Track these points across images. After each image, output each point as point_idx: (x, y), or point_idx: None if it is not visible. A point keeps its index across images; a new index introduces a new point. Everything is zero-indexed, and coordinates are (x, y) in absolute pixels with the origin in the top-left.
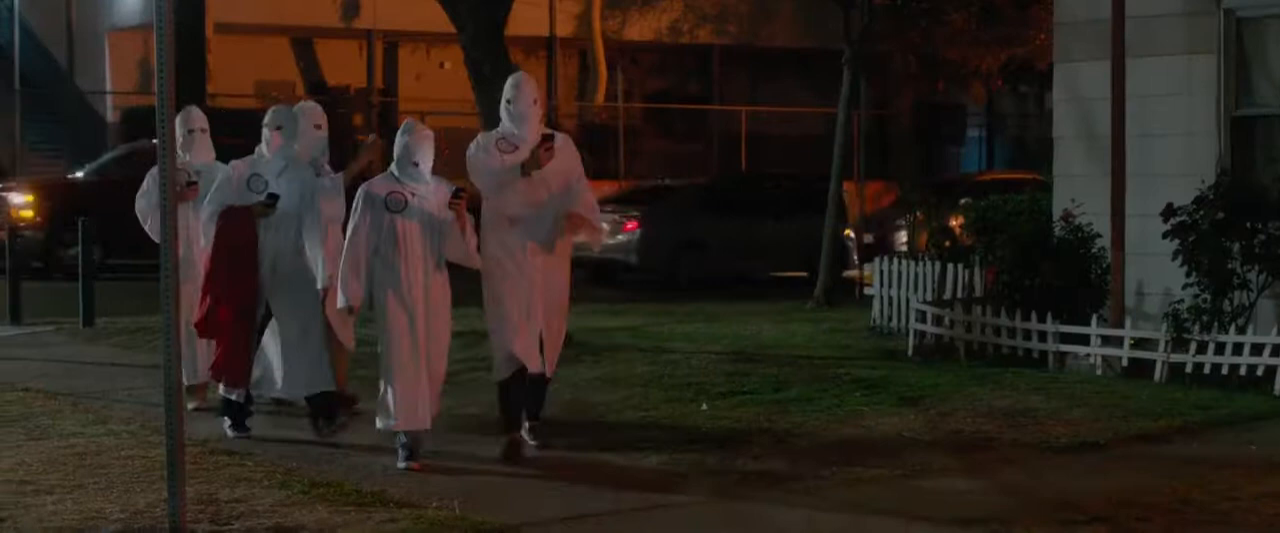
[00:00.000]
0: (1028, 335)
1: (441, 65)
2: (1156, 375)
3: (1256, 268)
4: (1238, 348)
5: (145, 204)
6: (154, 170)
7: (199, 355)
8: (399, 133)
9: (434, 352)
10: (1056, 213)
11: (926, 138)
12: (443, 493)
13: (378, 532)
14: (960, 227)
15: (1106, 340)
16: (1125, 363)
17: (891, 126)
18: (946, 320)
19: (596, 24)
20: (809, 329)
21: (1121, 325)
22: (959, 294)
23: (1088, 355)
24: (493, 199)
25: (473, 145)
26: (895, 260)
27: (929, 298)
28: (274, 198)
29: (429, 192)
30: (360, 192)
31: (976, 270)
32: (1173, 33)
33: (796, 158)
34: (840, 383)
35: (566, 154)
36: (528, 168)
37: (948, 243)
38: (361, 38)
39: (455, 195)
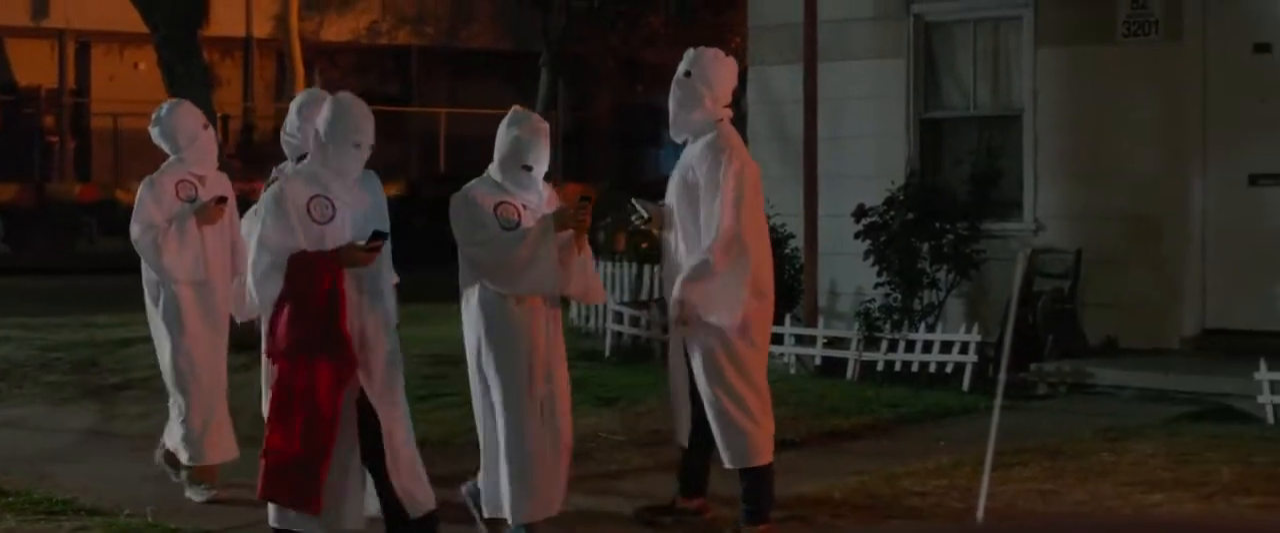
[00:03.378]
0: None
1: (135, 66)
2: (849, 374)
3: (945, 267)
4: (928, 346)
5: (143, 231)
6: (150, 181)
7: (216, 427)
8: (505, 124)
9: (558, 411)
10: None
11: (626, 140)
12: (135, 501)
13: None
14: (658, 229)
15: (800, 339)
16: (819, 362)
17: (591, 129)
18: (643, 321)
19: (294, 25)
20: None
21: (815, 325)
22: (656, 295)
23: (782, 354)
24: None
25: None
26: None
27: (626, 299)
28: (381, 237)
29: (542, 204)
30: (460, 198)
31: None
32: (864, 37)
33: None
34: None
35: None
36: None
37: (645, 244)
38: (53, 38)
39: (581, 201)
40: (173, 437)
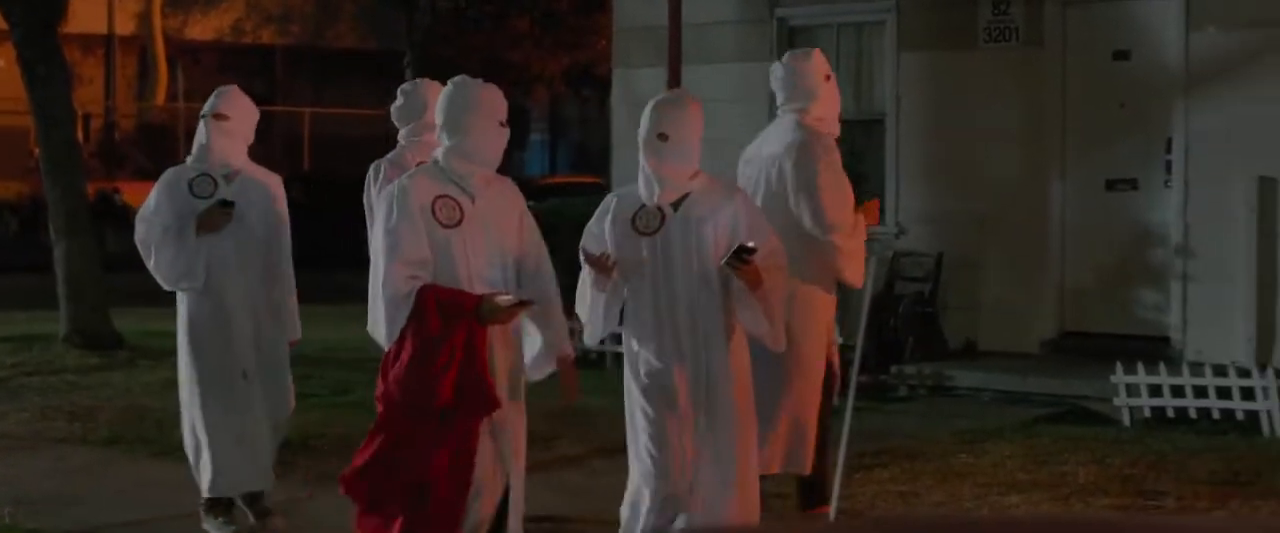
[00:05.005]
0: None
1: None
2: None
3: None
4: None
5: (149, 231)
6: (169, 172)
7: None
8: (650, 110)
9: (720, 456)
10: None
11: None
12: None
13: None
14: None
15: None
16: None
17: None
18: None
19: (156, 22)
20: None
21: None
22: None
23: None
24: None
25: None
26: None
27: None
28: (528, 303)
29: (706, 200)
30: (606, 202)
31: None
32: (728, 40)
33: (364, 160)
34: None
35: None
36: None
37: None
38: None
39: (738, 256)
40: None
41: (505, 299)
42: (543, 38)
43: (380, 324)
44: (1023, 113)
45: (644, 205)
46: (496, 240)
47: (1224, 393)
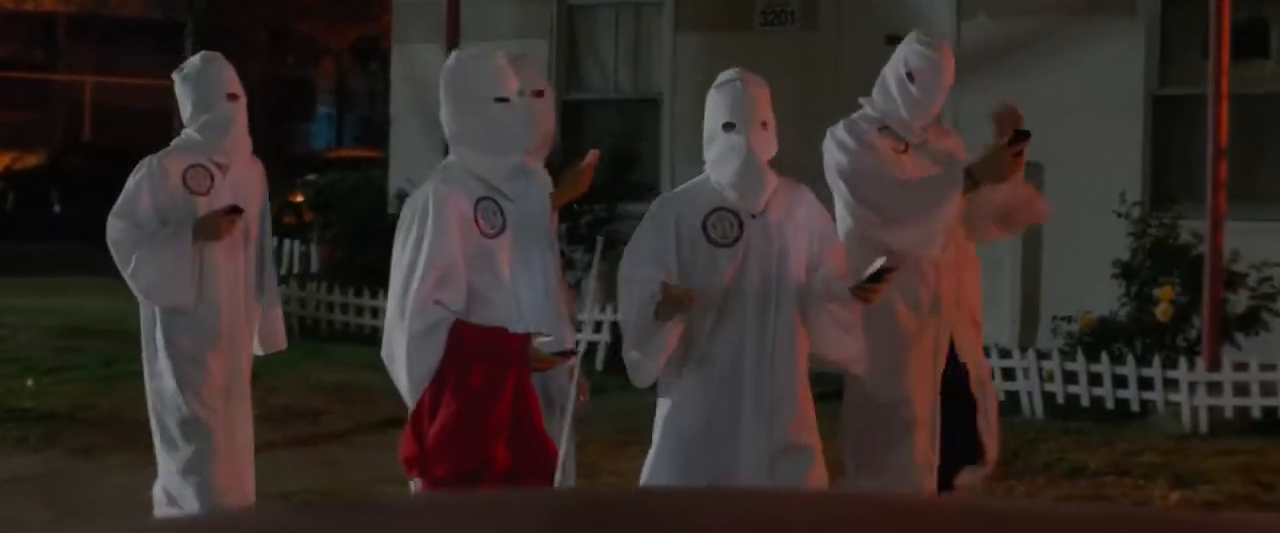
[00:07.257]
0: (359, 311)
1: None
2: None
3: (582, 247)
4: None
5: (128, 234)
6: (151, 162)
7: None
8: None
9: None
10: (392, 190)
11: (277, 113)
12: None
13: None
14: (303, 202)
15: None
16: None
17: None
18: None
19: None
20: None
21: None
22: (294, 270)
23: None
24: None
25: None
26: None
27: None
28: (571, 353)
29: (781, 199)
30: (656, 210)
31: (313, 246)
32: (508, 17)
33: (145, 131)
34: None
35: None
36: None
37: (289, 219)
38: None
39: (877, 278)
40: (158, 493)
41: (545, 342)
42: (329, 10)
43: (398, 361)
44: (797, 95)
45: (717, 209)
46: (538, 245)
47: None
